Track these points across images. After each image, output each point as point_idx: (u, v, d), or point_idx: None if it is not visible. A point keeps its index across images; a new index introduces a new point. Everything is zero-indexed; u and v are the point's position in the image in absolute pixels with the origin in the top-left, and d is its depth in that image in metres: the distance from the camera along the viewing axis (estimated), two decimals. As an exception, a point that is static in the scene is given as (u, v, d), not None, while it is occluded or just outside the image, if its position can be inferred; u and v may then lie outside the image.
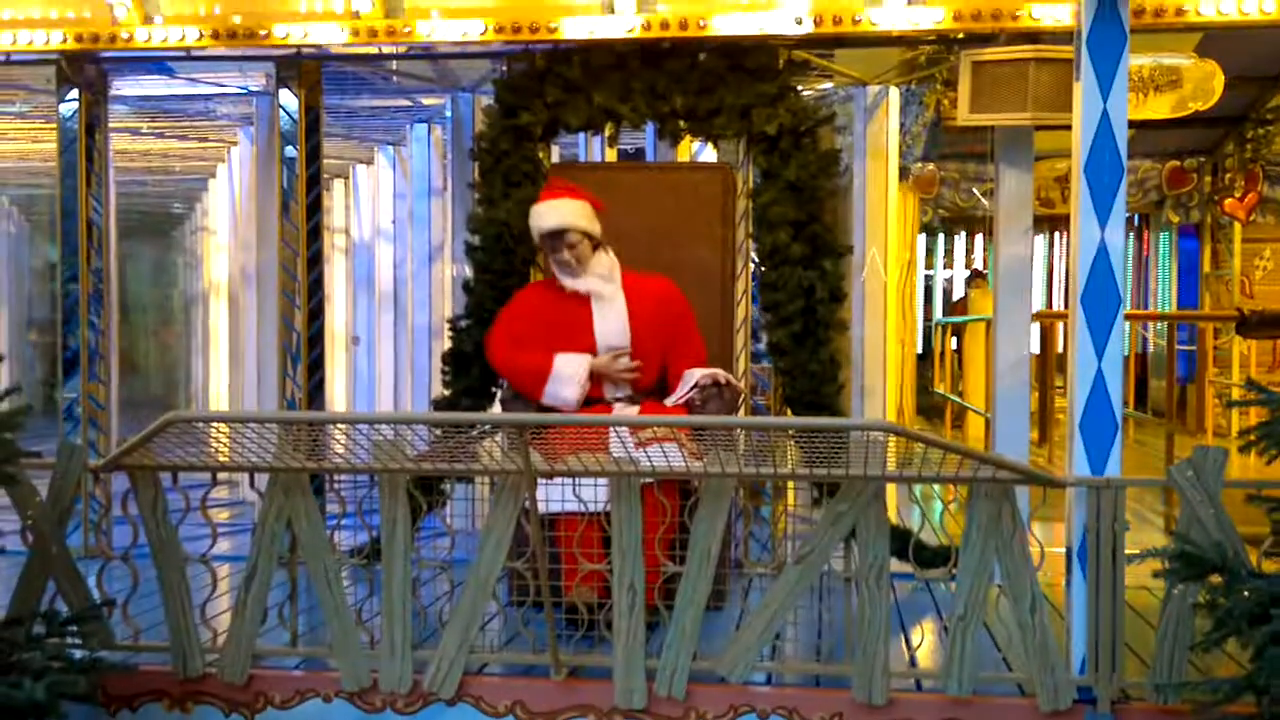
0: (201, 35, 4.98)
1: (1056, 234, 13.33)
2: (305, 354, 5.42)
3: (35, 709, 3.13)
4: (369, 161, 8.89)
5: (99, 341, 5.54)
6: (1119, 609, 3.46)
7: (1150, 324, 11.46)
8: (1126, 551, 3.44)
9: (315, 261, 5.46)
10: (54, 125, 5.57)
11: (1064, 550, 3.65)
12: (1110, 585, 3.45)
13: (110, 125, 5.70)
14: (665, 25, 4.67)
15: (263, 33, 4.95)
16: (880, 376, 5.75)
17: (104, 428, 5.57)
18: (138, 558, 3.79)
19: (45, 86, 6.04)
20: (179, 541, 3.77)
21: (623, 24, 4.71)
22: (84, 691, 3.27)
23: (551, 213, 4.39)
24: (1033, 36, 4.55)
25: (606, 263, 4.47)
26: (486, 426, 3.80)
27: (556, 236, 4.37)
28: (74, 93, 5.42)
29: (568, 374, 4.32)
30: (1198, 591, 3.27)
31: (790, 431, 3.67)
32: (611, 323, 4.42)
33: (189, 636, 3.74)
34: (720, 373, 4.43)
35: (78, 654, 3.57)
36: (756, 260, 5.08)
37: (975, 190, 10.98)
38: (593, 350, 4.40)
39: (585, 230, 4.39)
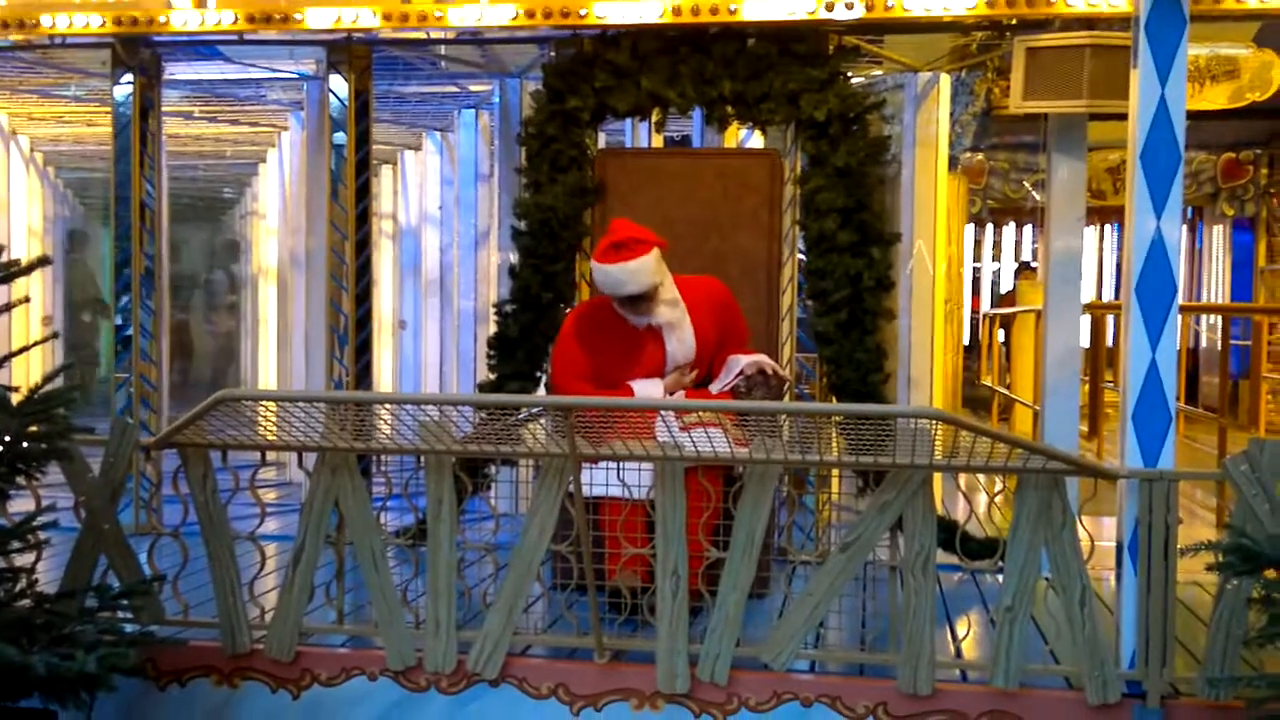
0: (253, 19, 5.03)
1: (1107, 226, 13.15)
2: (353, 337, 5.47)
3: (87, 680, 3.18)
4: (417, 147, 8.92)
5: (151, 323, 5.62)
6: (1170, 603, 3.41)
7: (1203, 319, 11.28)
8: (1178, 545, 3.39)
9: (363, 246, 5.51)
10: (108, 109, 5.65)
11: (1113, 544, 3.60)
12: (1162, 579, 3.40)
13: (163, 109, 5.77)
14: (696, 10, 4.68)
15: (312, 17, 4.99)
16: (927, 367, 5.70)
17: (155, 407, 5.65)
18: (187, 535, 3.84)
19: (100, 70, 6.12)
20: (228, 520, 3.82)
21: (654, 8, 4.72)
22: (134, 664, 3.32)
23: (630, 281, 4.13)
24: (1088, 22, 4.49)
25: (671, 289, 4.27)
26: (532, 409, 3.82)
27: (635, 299, 4.20)
28: (128, 76, 5.49)
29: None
30: (1252, 586, 3.22)
31: (836, 419, 3.65)
32: (683, 344, 4.32)
33: (237, 613, 3.78)
34: (766, 360, 4.41)
35: (129, 628, 3.63)
36: (803, 247, 5.05)
37: (1025, 181, 10.86)
38: (662, 367, 4.33)
39: (659, 281, 4.20)
